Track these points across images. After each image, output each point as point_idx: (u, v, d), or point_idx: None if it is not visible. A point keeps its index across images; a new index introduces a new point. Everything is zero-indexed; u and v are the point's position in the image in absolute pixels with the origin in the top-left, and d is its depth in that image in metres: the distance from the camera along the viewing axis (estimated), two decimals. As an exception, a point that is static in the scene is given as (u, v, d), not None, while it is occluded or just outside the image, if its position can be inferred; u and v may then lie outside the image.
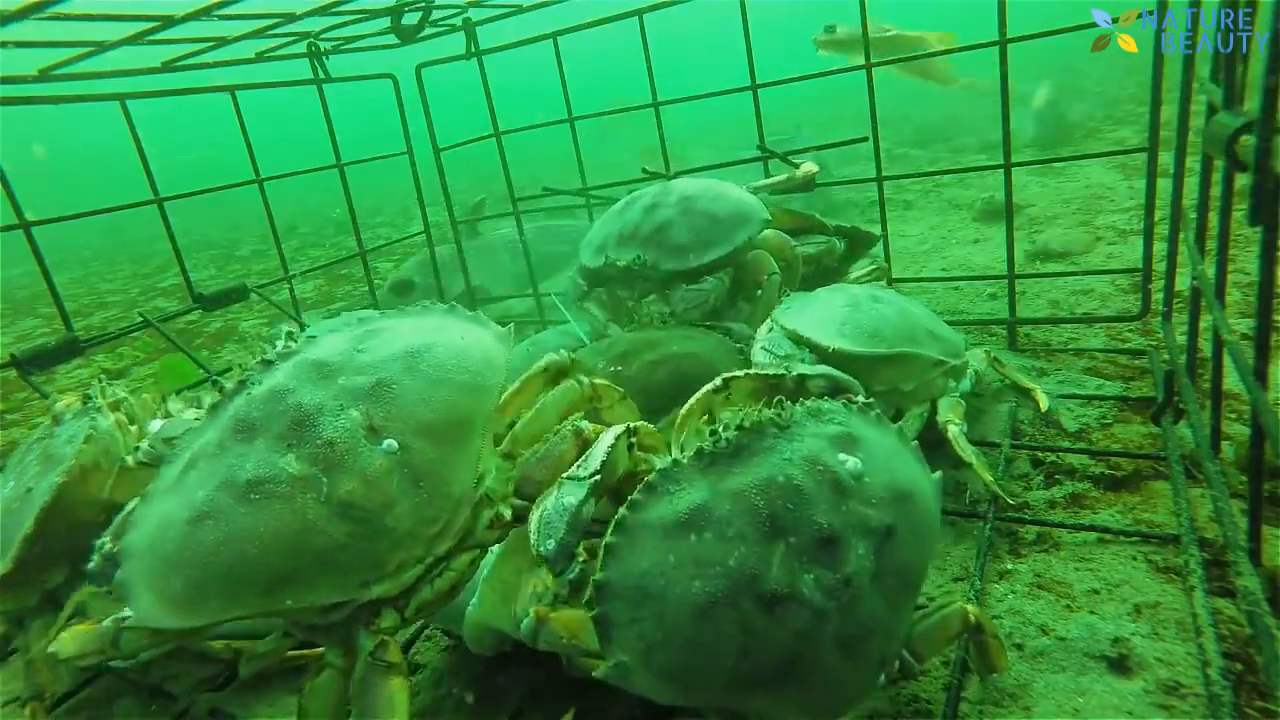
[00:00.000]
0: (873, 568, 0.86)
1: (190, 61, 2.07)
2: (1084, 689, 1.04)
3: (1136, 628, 1.12)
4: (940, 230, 3.71)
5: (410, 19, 2.22)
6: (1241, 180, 0.99)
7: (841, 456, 0.91)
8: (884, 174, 2.21)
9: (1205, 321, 1.47)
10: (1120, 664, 1.07)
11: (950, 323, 1.74)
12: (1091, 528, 1.35)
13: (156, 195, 2.08)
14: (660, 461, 0.96)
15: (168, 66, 2.07)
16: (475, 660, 1.24)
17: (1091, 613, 1.17)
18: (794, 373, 1.13)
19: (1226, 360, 1.23)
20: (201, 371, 2.24)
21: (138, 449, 1.26)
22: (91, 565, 0.97)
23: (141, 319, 2.08)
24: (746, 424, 0.94)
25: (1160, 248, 1.90)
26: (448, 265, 3.17)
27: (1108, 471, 1.49)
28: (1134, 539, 1.31)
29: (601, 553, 0.88)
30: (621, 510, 0.90)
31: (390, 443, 0.98)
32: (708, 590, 0.81)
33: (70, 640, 1.01)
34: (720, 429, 0.94)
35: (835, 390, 1.10)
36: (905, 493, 0.93)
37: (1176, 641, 1.09)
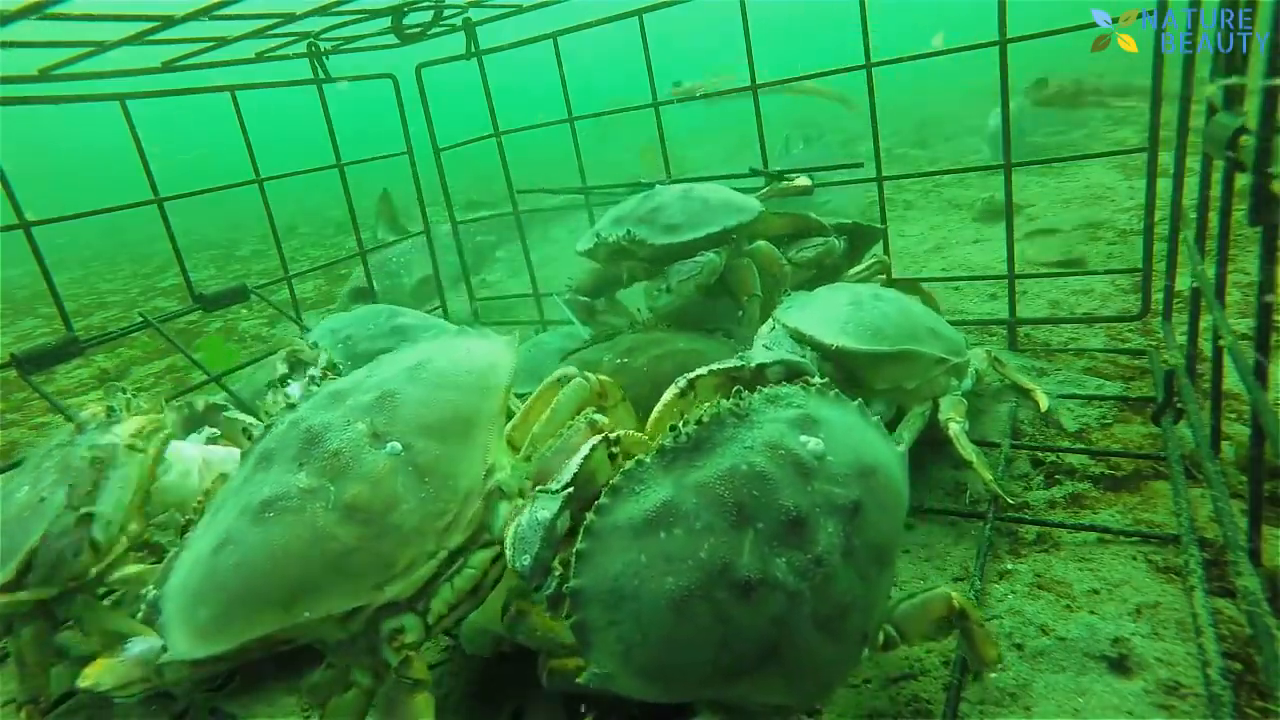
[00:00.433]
0: (843, 545, 0.86)
1: (190, 61, 2.07)
2: (1084, 689, 1.04)
3: (1136, 628, 1.12)
4: (940, 230, 3.71)
5: (414, 19, 2.22)
6: (1241, 180, 0.99)
7: (803, 438, 0.92)
8: (884, 174, 2.21)
9: (1205, 321, 1.47)
10: (1120, 664, 1.07)
11: (951, 323, 1.74)
12: (1091, 528, 1.35)
13: (156, 195, 2.08)
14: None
15: (168, 66, 2.07)
16: (475, 660, 1.24)
17: (1091, 613, 1.17)
18: (753, 363, 1.13)
19: (1226, 360, 1.23)
20: (242, 353, 2.24)
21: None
22: (140, 614, 0.99)
23: (141, 319, 2.08)
24: (705, 418, 0.94)
25: (1160, 248, 1.90)
26: (394, 265, 3.20)
27: (1108, 471, 1.49)
28: (1134, 539, 1.31)
29: (573, 560, 0.87)
30: (589, 515, 0.90)
31: (394, 445, 1.00)
32: (681, 585, 0.82)
33: (109, 672, 1.01)
34: (680, 425, 0.94)
35: (791, 375, 1.10)
36: (869, 468, 0.93)
37: (1176, 641, 1.09)
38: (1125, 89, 4.73)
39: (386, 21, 2.21)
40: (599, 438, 0.99)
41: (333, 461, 0.98)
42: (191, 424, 1.60)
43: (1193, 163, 1.65)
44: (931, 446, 1.55)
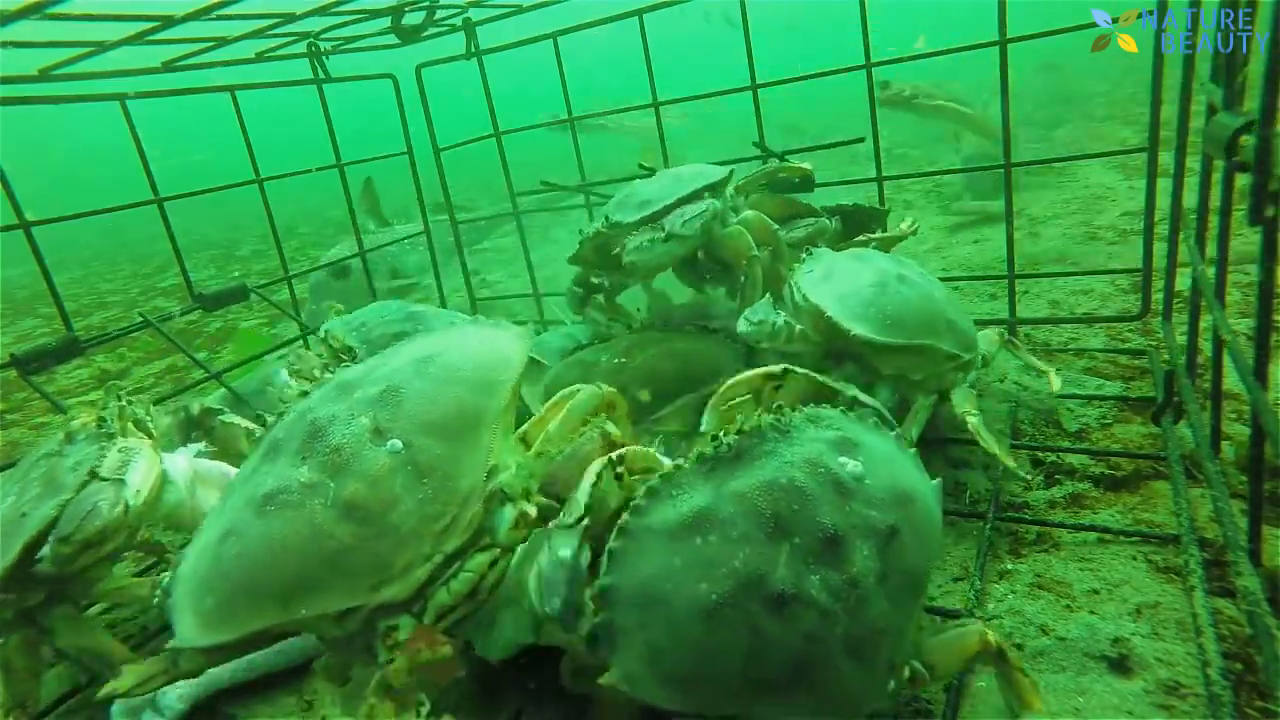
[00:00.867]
0: (878, 569, 0.85)
1: (190, 61, 2.07)
2: (1084, 689, 1.04)
3: (1136, 628, 1.12)
4: (940, 230, 3.71)
5: (412, 19, 2.22)
6: (1241, 180, 0.99)
7: (842, 459, 0.92)
8: (884, 174, 2.21)
9: (1205, 321, 1.47)
10: (1120, 664, 1.07)
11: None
12: (1091, 528, 1.35)
13: (156, 195, 2.08)
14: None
15: (168, 66, 2.07)
16: (476, 660, 1.23)
17: (1091, 613, 1.17)
18: (850, 394, 1.14)
19: (1226, 360, 1.23)
20: (272, 338, 2.24)
21: None
22: (155, 601, 1.00)
23: (141, 319, 2.08)
24: (747, 428, 0.94)
25: (1160, 248, 1.90)
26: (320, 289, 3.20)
27: (1108, 471, 1.49)
28: (1134, 539, 1.31)
29: (605, 558, 0.87)
30: (624, 515, 0.89)
31: (395, 442, 0.99)
32: (715, 592, 0.81)
33: (130, 676, 1.01)
34: (721, 434, 0.94)
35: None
36: (907, 495, 0.93)
37: (1176, 641, 1.09)
38: (933, 91, 4.36)
39: (386, 21, 2.21)
40: (604, 461, 0.98)
41: (333, 457, 0.98)
42: (187, 428, 1.59)
43: (1193, 163, 1.65)
44: (932, 446, 1.55)
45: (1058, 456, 1.56)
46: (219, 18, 1.65)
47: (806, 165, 2.16)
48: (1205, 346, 1.62)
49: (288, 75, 2.47)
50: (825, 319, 1.46)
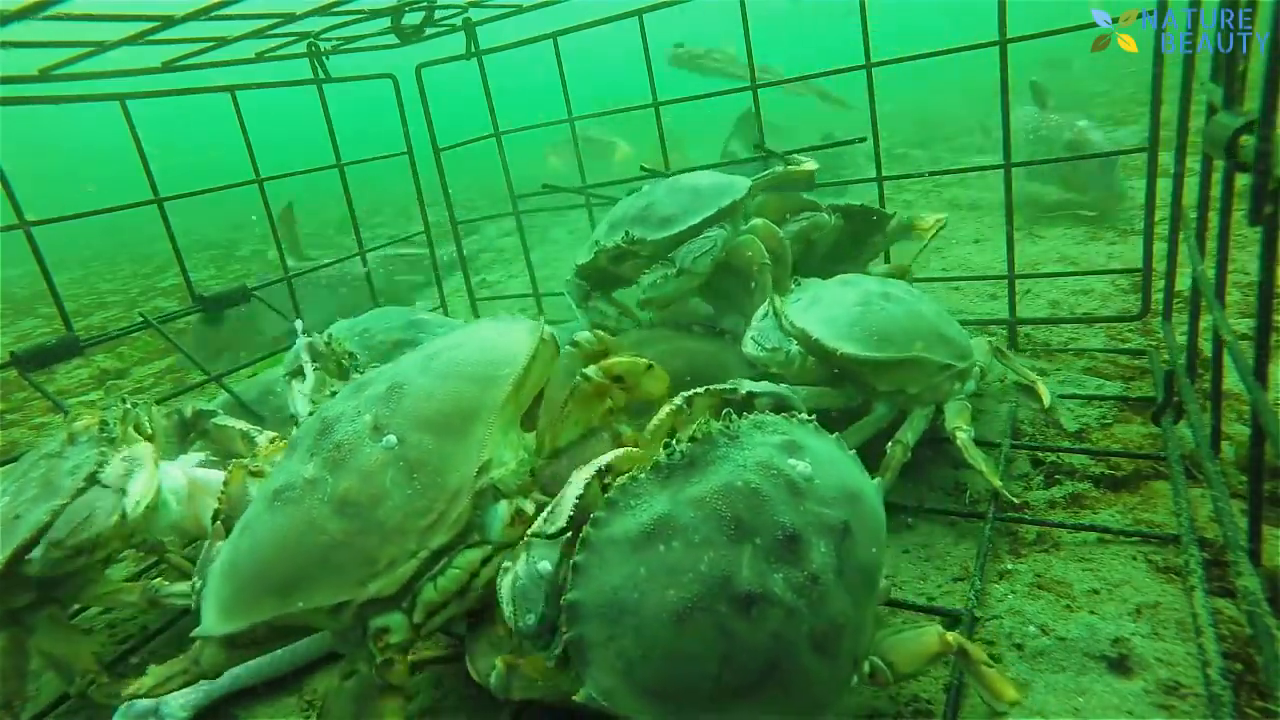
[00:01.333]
0: (835, 564, 0.87)
1: (190, 61, 2.07)
2: (1084, 689, 1.04)
3: (1136, 628, 1.12)
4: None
5: (411, 19, 2.22)
6: (1241, 180, 0.99)
7: (791, 461, 0.93)
8: (884, 174, 2.21)
9: (1205, 321, 1.47)
10: (1120, 664, 1.07)
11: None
12: (1091, 528, 1.34)
13: (156, 195, 2.08)
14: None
15: (168, 66, 2.07)
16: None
17: (1091, 613, 1.17)
18: (744, 390, 1.17)
19: (1226, 360, 1.23)
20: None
21: None
22: (194, 588, 1.04)
23: (141, 319, 2.08)
24: (698, 435, 0.95)
25: (1160, 248, 1.90)
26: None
27: (1108, 471, 1.49)
28: (1134, 539, 1.31)
29: (570, 573, 0.86)
30: (585, 528, 0.89)
31: (390, 438, 1.00)
32: (683, 597, 0.81)
33: (151, 677, 1.03)
34: (674, 443, 0.95)
35: (779, 408, 1.14)
36: (854, 493, 0.95)
37: (1176, 641, 1.09)
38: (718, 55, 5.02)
39: (386, 21, 2.21)
40: (593, 473, 0.96)
41: (335, 453, 1.00)
42: (182, 431, 1.59)
43: (1193, 163, 1.65)
44: (931, 446, 1.55)
45: (1058, 456, 1.56)
46: (219, 18, 1.65)
47: (810, 166, 2.17)
48: (1205, 346, 1.62)
49: (288, 75, 2.47)
50: (813, 342, 1.49)
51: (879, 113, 2.14)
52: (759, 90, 2.29)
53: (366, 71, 2.64)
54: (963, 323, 2.27)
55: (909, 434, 1.48)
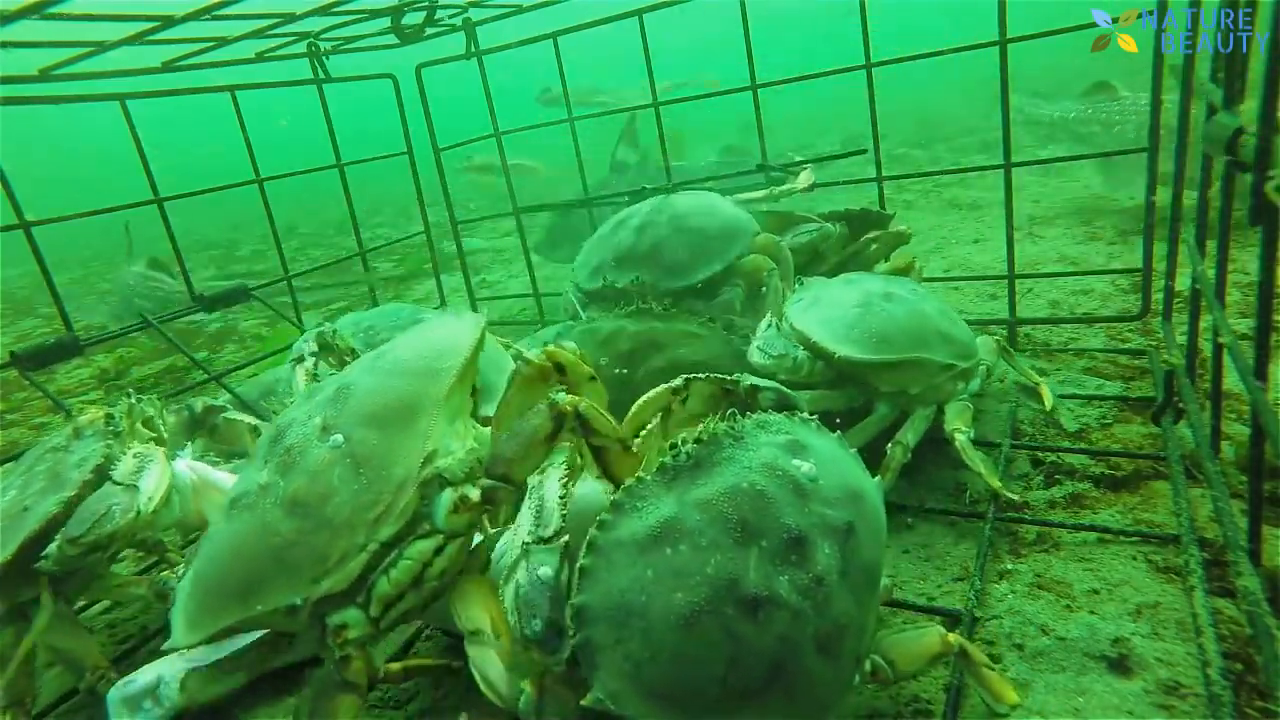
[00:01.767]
0: (840, 565, 0.87)
1: (190, 61, 2.07)
2: (1084, 689, 1.04)
3: (1136, 628, 1.12)
4: (940, 230, 3.71)
5: (411, 19, 2.22)
6: (1241, 180, 0.99)
7: (795, 461, 0.93)
8: (884, 174, 2.21)
9: (1205, 321, 1.47)
10: (1120, 664, 1.07)
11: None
12: (1091, 528, 1.34)
13: (156, 195, 2.08)
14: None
15: (168, 66, 2.07)
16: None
17: (1091, 613, 1.17)
18: (746, 383, 1.16)
19: (1226, 360, 1.23)
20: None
21: None
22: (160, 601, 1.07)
23: (142, 319, 2.08)
24: (704, 436, 0.95)
25: (1160, 248, 1.90)
26: None
27: (1108, 471, 1.49)
28: (1134, 539, 1.31)
29: (576, 576, 0.86)
30: (591, 531, 0.89)
31: (336, 437, 1.01)
32: (691, 600, 0.81)
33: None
34: (679, 444, 0.95)
35: (781, 405, 1.13)
36: (857, 493, 0.95)
37: (1176, 641, 1.09)
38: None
39: (386, 21, 2.21)
40: (564, 473, 0.98)
41: (285, 457, 1.02)
42: (189, 427, 1.59)
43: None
44: (932, 446, 1.55)
45: (1058, 456, 1.56)
46: (219, 18, 1.65)
47: (810, 179, 2.18)
48: (1205, 346, 1.62)
49: (288, 75, 2.47)
50: (812, 344, 1.49)
51: (879, 113, 2.14)
52: (758, 90, 2.29)
53: (366, 71, 2.64)
54: (963, 323, 2.28)
55: (910, 435, 1.48)
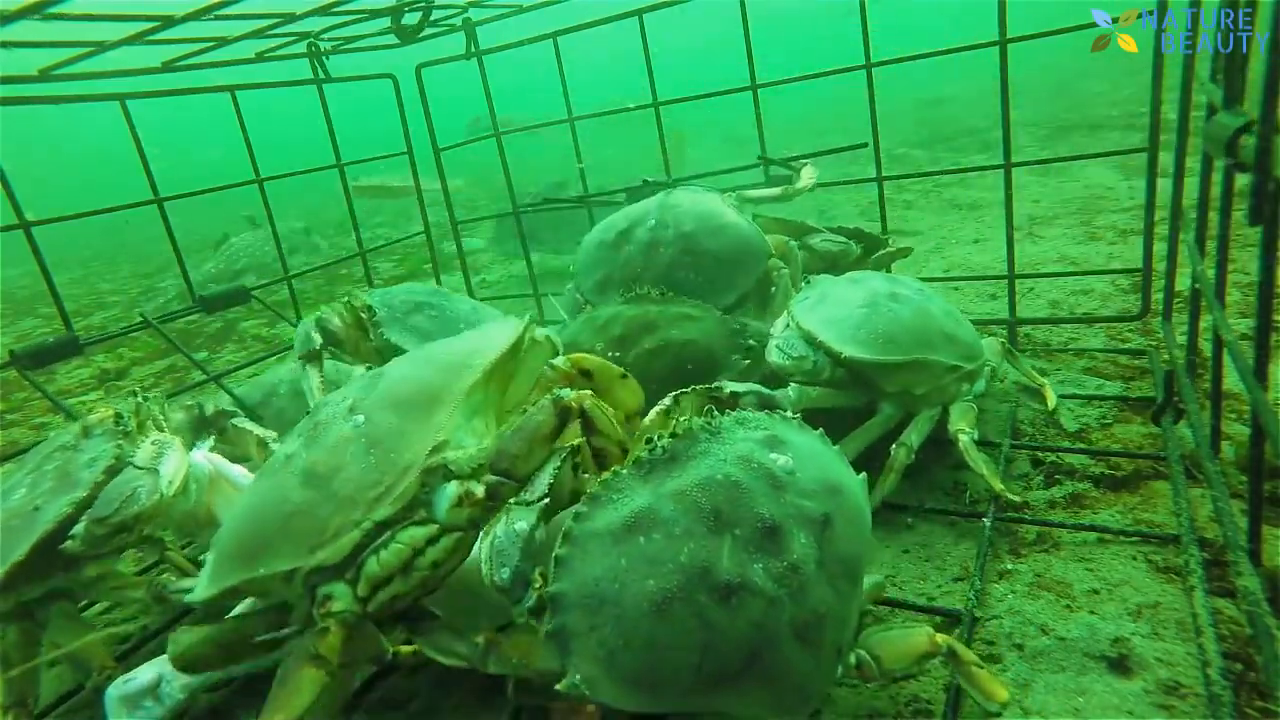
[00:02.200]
0: (816, 555, 0.88)
1: (190, 61, 2.07)
2: (1084, 689, 1.04)
3: (1136, 628, 1.12)
4: (940, 230, 3.71)
5: (410, 19, 2.22)
6: (1241, 180, 0.99)
7: (772, 455, 0.95)
8: (884, 174, 2.21)
9: (1205, 321, 1.47)
10: (1120, 664, 1.07)
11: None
12: (1091, 528, 1.34)
13: (156, 195, 2.08)
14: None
15: (168, 66, 2.07)
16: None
17: (1091, 613, 1.17)
18: (727, 391, 1.21)
19: (1226, 360, 1.23)
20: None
21: None
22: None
23: (141, 319, 2.08)
24: (679, 431, 0.97)
25: (1160, 248, 1.90)
26: None
27: (1108, 471, 1.49)
28: (1134, 539, 1.31)
29: (552, 565, 0.89)
30: (567, 522, 0.92)
31: (359, 417, 1.07)
32: (663, 587, 0.83)
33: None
34: (655, 439, 0.97)
35: (764, 406, 1.16)
36: (836, 487, 0.96)
37: (1176, 641, 1.09)
38: None
39: (386, 21, 2.21)
40: (566, 449, 1.03)
41: (313, 431, 1.08)
42: (197, 427, 1.59)
43: (1192, 163, 1.65)
44: (932, 446, 1.55)
45: (1058, 456, 1.56)
46: (219, 18, 1.65)
47: (811, 176, 2.18)
48: (1205, 346, 1.62)
49: (288, 75, 2.47)
50: (818, 343, 1.49)
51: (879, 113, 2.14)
52: (759, 90, 2.29)
53: (366, 71, 2.64)
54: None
55: (914, 436, 1.48)
